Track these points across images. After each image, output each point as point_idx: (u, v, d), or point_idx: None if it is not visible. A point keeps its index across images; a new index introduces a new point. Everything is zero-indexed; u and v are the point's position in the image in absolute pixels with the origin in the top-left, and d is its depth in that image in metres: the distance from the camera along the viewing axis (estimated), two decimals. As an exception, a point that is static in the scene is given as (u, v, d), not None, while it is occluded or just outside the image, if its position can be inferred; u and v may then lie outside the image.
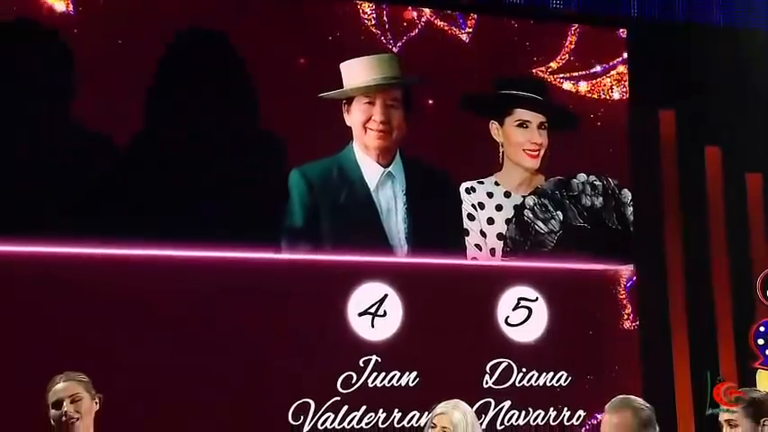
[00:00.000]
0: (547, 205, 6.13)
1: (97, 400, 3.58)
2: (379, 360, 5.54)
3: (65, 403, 3.50)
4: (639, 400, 3.70)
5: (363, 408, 5.47)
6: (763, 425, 3.45)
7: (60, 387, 3.54)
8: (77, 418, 3.50)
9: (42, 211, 5.05)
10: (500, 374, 5.79)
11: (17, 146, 5.07)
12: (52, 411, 3.53)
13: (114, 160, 5.28)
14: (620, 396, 3.69)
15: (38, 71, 5.15)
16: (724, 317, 6.15)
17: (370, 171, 5.74)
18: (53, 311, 4.97)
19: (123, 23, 5.32)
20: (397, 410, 5.48)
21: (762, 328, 5.55)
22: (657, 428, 3.59)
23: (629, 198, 6.29)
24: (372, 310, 5.62)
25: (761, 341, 5.58)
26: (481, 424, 4.58)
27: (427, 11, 5.99)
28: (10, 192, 5.01)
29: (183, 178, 5.35)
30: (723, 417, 3.55)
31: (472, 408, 4.44)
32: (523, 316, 5.95)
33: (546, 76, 6.22)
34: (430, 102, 5.86)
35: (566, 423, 5.84)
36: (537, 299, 5.98)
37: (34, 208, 5.04)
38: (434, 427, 4.22)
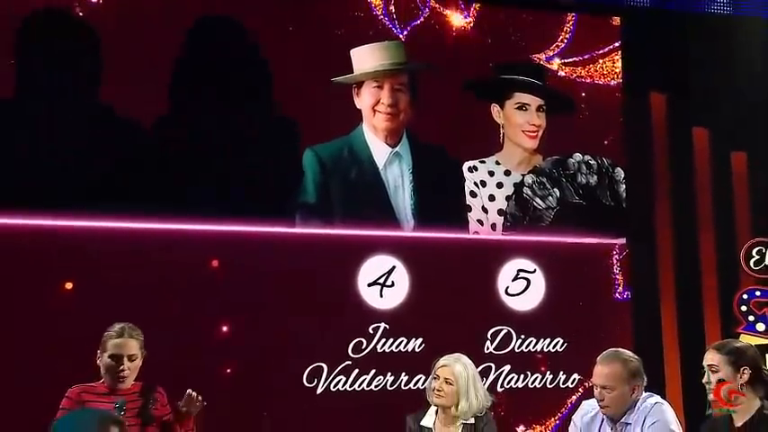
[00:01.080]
0: (545, 183, 6.16)
1: (142, 356, 3.76)
2: (388, 327, 5.62)
3: (123, 359, 3.68)
4: (628, 352, 3.87)
5: (373, 371, 5.56)
6: (743, 372, 3.46)
7: (121, 342, 3.71)
8: (127, 376, 3.69)
9: (71, 187, 5.11)
10: (500, 341, 5.86)
11: (47, 126, 5.13)
12: (107, 360, 3.70)
13: (140, 140, 5.31)
14: (611, 349, 3.86)
15: (68, 57, 5.20)
16: (710, 286, 6.19)
17: (379, 151, 5.79)
18: (83, 279, 5.07)
19: (146, 12, 5.36)
20: (404, 374, 5.56)
21: (745, 296, 5.57)
22: (645, 378, 3.77)
23: (622, 176, 6.32)
24: (381, 280, 5.69)
25: (744, 308, 5.60)
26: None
27: (432, 0, 6.00)
28: (40, 168, 5.06)
29: (203, 158, 5.39)
30: (705, 362, 3.58)
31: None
32: (522, 286, 6.00)
33: (544, 61, 6.22)
34: (435, 86, 5.87)
35: (561, 386, 5.89)
36: (535, 270, 6.03)
37: (63, 184, 5.09)
38: (437, 378, 4.27)
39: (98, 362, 3.76)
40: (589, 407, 3.94)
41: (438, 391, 4.25)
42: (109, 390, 3.72)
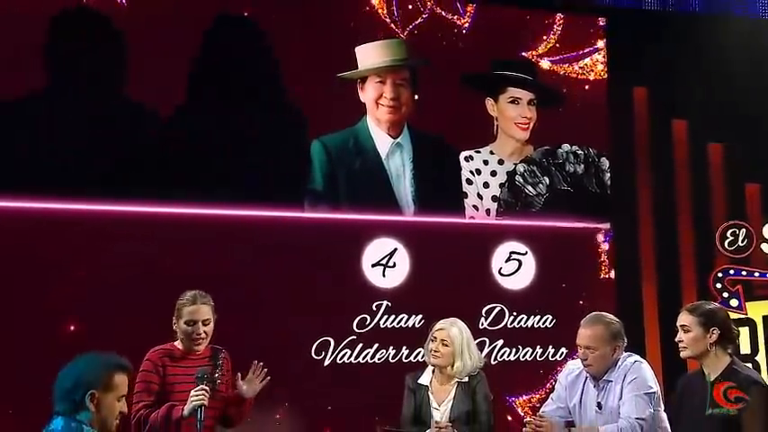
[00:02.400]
0: (535, 171, 6.26)
1: (214, 320, 3.87)
2: (390, 304, 5.73)
3: (199, 324, 3.77)
4: (610, 315, 4.01)
5: (376, 345, 5.67)
6: (712, 332, 3.56)
7: (194, 309, 3.78)
8: (204, 338, 3.80)
9: (97, 171, 5.14)
10: (494, 317, 5.96)
11: (77, 116, 5.17)
12: (184, 326, 3.78)
13: (159, 130, 5.37)
14: (594, 312, 4.00)
15: (95, 53, 5.26)
16: (688, 266, 6.29)
17: (382, 142, 5.88)
18: (97, 258, 5.08)
19: (167, 13, 5.43)
20: (404, 348, 5.65)
21: (720, 274, 5.64)
22: (625, 339, 3.90)
23: (607, 165, 6.42)
24: (384, 261, 5.79)
25: (719, 285, 5.68)
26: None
27: (431, 1, 6.08)
28: (69, 153, 5.11)
29: (219, 147, 5.44)
30: (679, 322, 3.66)
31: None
32: (514, 267, 6.10)
33: (535, 58, 6.32)
34: (434, 81, 5.95)
35: (550, 359, 5.98)
36: (526, 252, 6.12)
37: (89, 169, 5.13)
38: (434, 340, 4.36)
39: (174, 327, 3.83)
40: (574, 366, 4.08)
41: (435, 352, 4.34)
42: (183, 353, 3.80)
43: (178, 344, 3.86)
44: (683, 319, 3.64)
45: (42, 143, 5.15)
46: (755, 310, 5.51)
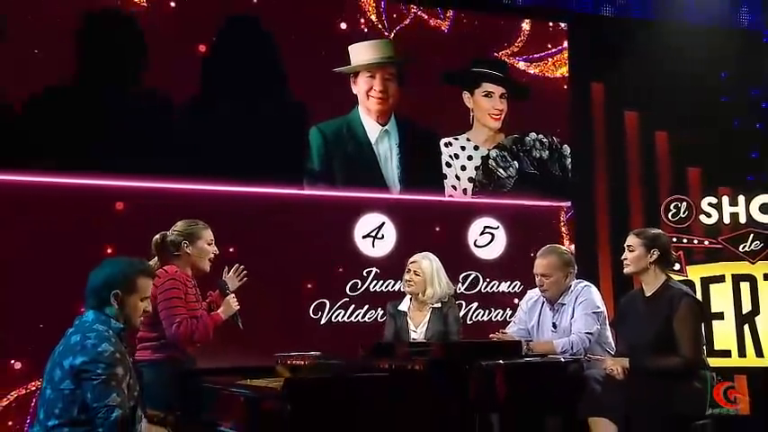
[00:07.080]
0: (506, 156, 6.54)
1: None
2: (378, 271, 5.96)
3: (213, 245, 4.12)
4: (562, 246, 4.27)
5: (366, 306, 5.90)
6: (653, 253, 3.78)
7: (210, 232, 4.09)
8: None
9: (115, 150, 5.28)
10: (470, 283, 6.24)
11: (101, 103, 5.33)
12: (206, 246, 4.04)
13: (174, 115, 5.53)
14: (548, 245, 4.25)
15: (118, 48, 5.45)
16: None
17: (372, 128, 6.12)
18: (119, 229, 5.20)
19: (183, 13, 5.63)
20: None
21: None
22: (576, 267, 4.16)
23: (569, 151, 6.72)
24: (373, 233, 6.03)
25: None
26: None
27: (415, 7, 6.34)
28: (92, 137, 5.26)
29: (228, 132, 5.60)
30: (626, 243, 3.88)
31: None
32: (488, 239, 6.40)
33: (506, 57, 6.63)
34: (418, 76, 6.19)
35: None
36: (498, 227, 6.42)
37: (108, 151, 5.27)
38: (409, 271, 4.64)
39: (185, 250, 4.01)
40: (533, 293, 4.36)
41: (409, 281, 4.62)
42: (189, 275, 4.02)
43: (186, 268, 4.05)
44: (630, 240, 3.88)
45: (68, 124, 5.26)
46: (694, 272, 5.70)
